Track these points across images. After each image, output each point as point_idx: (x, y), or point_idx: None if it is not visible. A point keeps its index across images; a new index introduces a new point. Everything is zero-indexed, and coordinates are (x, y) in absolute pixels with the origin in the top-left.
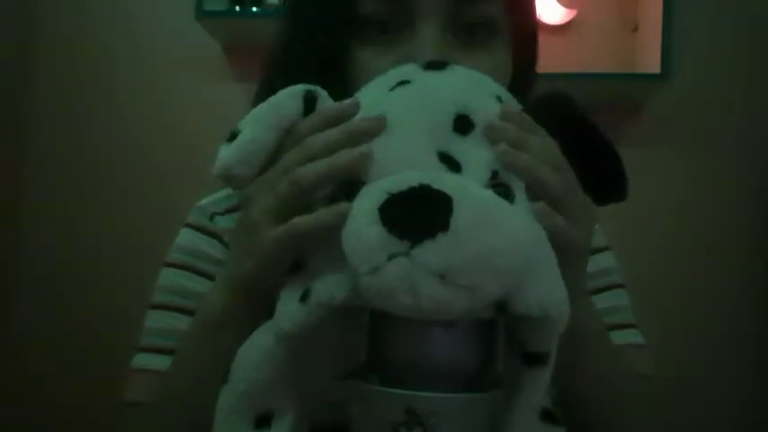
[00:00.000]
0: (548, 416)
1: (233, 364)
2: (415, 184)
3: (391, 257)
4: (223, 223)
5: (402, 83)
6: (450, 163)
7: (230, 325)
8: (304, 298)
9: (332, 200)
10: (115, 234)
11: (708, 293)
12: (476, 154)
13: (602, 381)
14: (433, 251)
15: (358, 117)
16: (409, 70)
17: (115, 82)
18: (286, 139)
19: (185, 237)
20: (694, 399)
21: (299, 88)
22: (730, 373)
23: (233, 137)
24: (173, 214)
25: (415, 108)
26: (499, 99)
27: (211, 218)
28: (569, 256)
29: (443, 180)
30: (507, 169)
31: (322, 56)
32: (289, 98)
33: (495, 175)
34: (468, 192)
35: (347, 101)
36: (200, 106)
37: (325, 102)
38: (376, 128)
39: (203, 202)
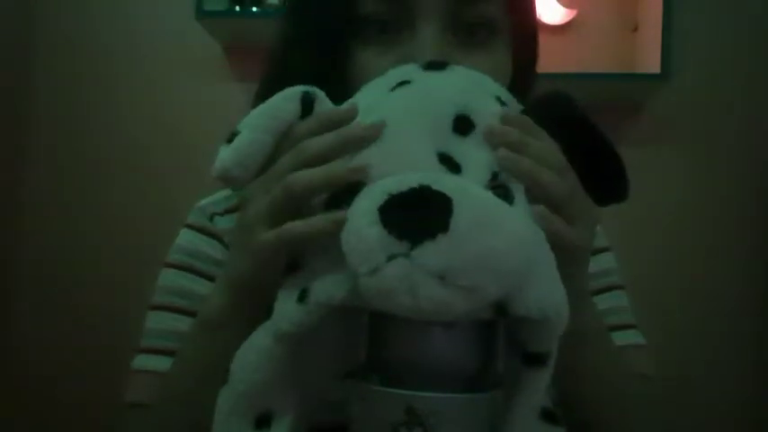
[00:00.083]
0: (548, 416)
1: (232, 364)
2: (415, 185)
3: (391, 258)
4: (223, 224)
5: (402, 83)
6: (450, 164)
7: (229, 325)
8: (302, 298)
9: (331, 199)
10: (115, 234)
11: (708, 293)
12: (476, 155)
13: (603, 381)
14: (432, 252)
15: (355, 122)
16: (409, 70)
17: (115, 82)
18: (283, 141)
19: (185, 237)
20: (694, 399)
21: (297, 90)
22: (730, 373)
23: (232, 137)
24: (173, 214)
25: (415, 109)
26: (499, 99)
27: (211, 218)
28: (571, 258)
29: (443, 181)
30: (509, 174)
31: (322, 56)
32: (286, 100)
33: (495, 176)
34: (468, 193)
35: (345, 105)
36: (200, 106)
37: (323, 103)
38: (372, 135)
39: (203, 202)
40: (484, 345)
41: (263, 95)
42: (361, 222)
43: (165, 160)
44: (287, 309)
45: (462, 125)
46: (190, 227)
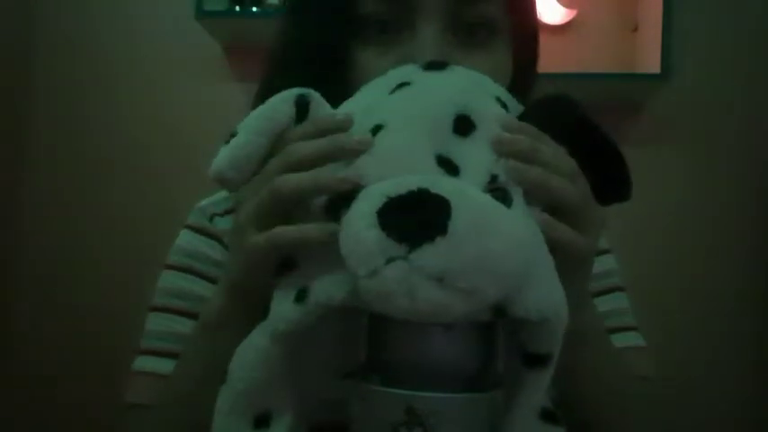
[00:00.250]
0: (548, 416)
1: (230, 363)
2: (413, 187)
3: (389, 261)
4: (223, 224)
5: (402, 84)
6: (449, 166)
7: (228, 326)
8: (301, 298)
9: (330, 202)
10: (115, 234)
11: (708, 293)
12: (475, 157)
13: (603, 382)
14: (431, 255)
15: (349, 132)
16: (409, 71)
17: (115, 82)
18: (278, 144)
19: (185, 238)
20: (694, 399)
21: (292, 93)
22: (730, 373)
23: (230, 139)
24: (173, 214)
25: (415, 110)
26: (499, 100)
27: (211, 219)
28: (576, 262)
29: (442, 184)
30: (519, 184)
31: (322, 56)
32: (281, 102)
33: (493, 179)
34: (466, 196)
35: (341, 114)
36: (200, 106)
37: (319, 105)
38: (363, 147)
39: (203, 203)
40: (484, 345)
41: (262, 96)
42: (360, 225)
43: (165, 160)
44: (283, 308)
45: (463, 126)
46: (190, 228)
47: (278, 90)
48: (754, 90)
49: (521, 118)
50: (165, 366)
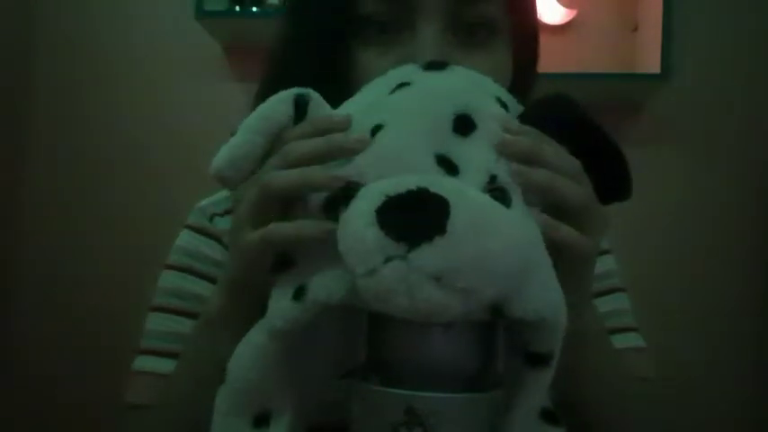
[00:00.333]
0: (548, 416)
1: (229, 363)
2: (412, 187)
3: (388, 260)
4: (223, 224)
5: (402, 84)
6: (448, 166)
7: (228, 325)
8: (299, 295)
9: (328, 201)
10: (115, 234)
11: (708, 293)
12: (475, 157)
13: (603, 382)
14: (429, 254)
15: (347, 132)
16: (409, 71)
17: (115, 82)
18: (277, 144)
19: (185, 238)
20: (694, 399)
21: (290, 92)
22: (730, 373)
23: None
24: (173, 214)
25: (415, 110)
26: (499, 100)
27: (211, 219)
28: (579, 263)
29: (441, 183)
30: (524, 186)
31: (322, 56)
32: (279, 103)
33: (492, 179)
34: (465, 195)
35: (340, 115)
36: (200, 106)
37: (318, 105)
38: (359, 147)
39: (203, 203)
40: (484, 345)
41: (263, 95)
42: (359, 224)
43: (165, 160)
44: (281, 306)
45: (463, 125)
46: (189, 228)
47: (278, 90)
48: (754, 90)
49: (521, 118)
50: (165, 366)
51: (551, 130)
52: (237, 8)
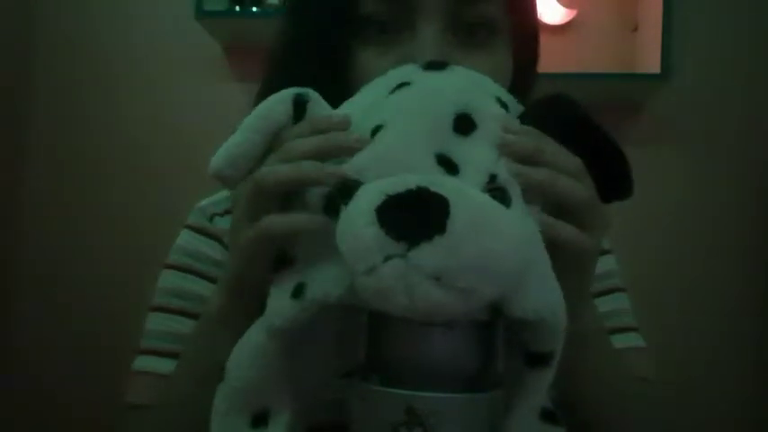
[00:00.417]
0: (548, 416)
1: (228, 362)
2: (412, 186)
3: (387, 259)
4: (223, 224)
5: (402, 84)
6: (448, 165)
7: (227, 324)
8: (297, 293)
9: (328, 199)
10: (115, 234)
11: (708, 293)
12: (475, 156)
13: (603, 382)
14: (429, 253)
15: (347, 131)
16: (409, 71)
17: (115, 82)
18: (275, 143)
19: (185, 238)
20: (694, 399)
21: (290, 92)
22: (730, 373)
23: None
24: (173, 214)
25: (415, 109)
26: (499, 100)
27: (211, 219)
28: (579, 262)
29: (441, 183)
30: (526, 186)
31: (322, 56)
32: (278, 102)
33: (492, 178)
34: (465, 195)
35: (339, 115)
36: (200, 106)
37: (318, 105)
38: (358, 146)
39: (203, 203)
40: (484, 345)
41: (263, 96)
42: (359, 222)
43: (165, 160)
44: (279, 304)
45: (463, 125)
46: (189, 227)
47: (278, 90)
48: (754, 90)
49: (521, 118)
50: (165, 366)
51: (551, 129)
52: (237, 8)
